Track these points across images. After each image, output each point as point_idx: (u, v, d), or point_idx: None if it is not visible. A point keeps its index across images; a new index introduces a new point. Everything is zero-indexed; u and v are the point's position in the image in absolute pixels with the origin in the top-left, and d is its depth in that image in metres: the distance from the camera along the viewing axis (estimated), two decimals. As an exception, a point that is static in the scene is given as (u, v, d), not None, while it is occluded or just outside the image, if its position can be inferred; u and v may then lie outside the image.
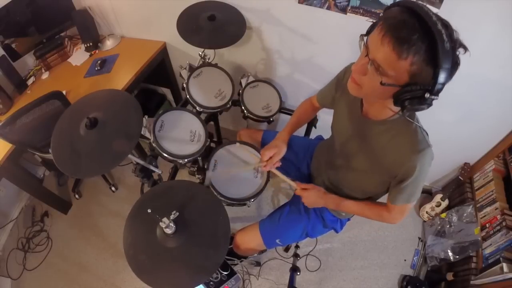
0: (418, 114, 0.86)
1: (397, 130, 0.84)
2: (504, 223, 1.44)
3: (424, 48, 0.62)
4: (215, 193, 1.18)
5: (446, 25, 0.63)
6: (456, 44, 0.64)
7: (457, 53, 0.65)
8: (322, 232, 1.27)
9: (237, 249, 1.33)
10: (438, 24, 0.61)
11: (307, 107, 1.28)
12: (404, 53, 0.63)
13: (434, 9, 1.15)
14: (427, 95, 0.65)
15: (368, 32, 0.73)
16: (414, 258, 1.85)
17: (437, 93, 0.66)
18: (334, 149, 1.11)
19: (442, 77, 0.63)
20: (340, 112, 1.05)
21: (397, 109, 0.81)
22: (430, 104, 0.68)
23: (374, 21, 0.72)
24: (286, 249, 1.86)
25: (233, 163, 1.28)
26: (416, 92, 0.67)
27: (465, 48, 0.66)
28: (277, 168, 1.18)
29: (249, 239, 1.28)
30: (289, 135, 1.22)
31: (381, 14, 0.70)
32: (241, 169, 1.25)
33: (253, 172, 1.26)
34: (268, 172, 1.27)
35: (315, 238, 1.90)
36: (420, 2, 0.65)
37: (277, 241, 1.23)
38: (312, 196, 1.10)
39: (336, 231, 1.28)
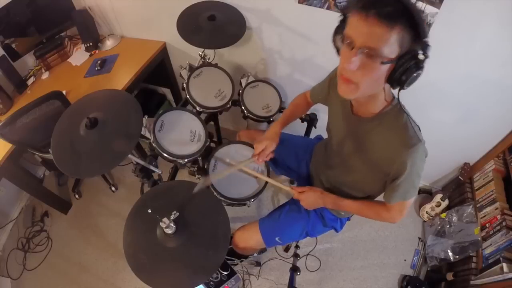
0: (412, 112, 0.86)
1: (387, 125, 0.84)
2: (504, 223, 1.44)
3: (402, 16, 0.65)
4: (215, 193, 1.18)
5: None
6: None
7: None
8: (322, 231, 1.27)
9: (236, 247, 1.33)
10: None
11: (301, 101, 1.28)
12: (391, 24, 0.65)
13: (434, 9, 1.16)
14: (420, 56, 0.67)
15: (338, 31, 0.75)
16: (414, 258, 1.85)
17: (427, 51, 0.68)
18: (331, 149, 1.12)
19: (425, 32, 0.67)
20: (334, 112, 1.05)
21: (389, 98, 0.83)
22: (422, 68, 0.70)
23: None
24: (286, 249, 1.86)
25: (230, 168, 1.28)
26: (410, 61, 0.68)
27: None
28: (271, 165, 1.17)
29: (249, 237, 1.28)
30: (282, 128, 1.22)
31: (343, 10, 0.73)
32: (235, 168, 1.23)
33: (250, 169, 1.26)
34: (268, 172, 1.28)
35: (315, 238, 1.89)
36: None
37: (277, 239, 1.23)
38: (310, 198, 1.11)
39: (336, 231, 1.28)
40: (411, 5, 0.65)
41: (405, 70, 0.68)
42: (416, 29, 0.66)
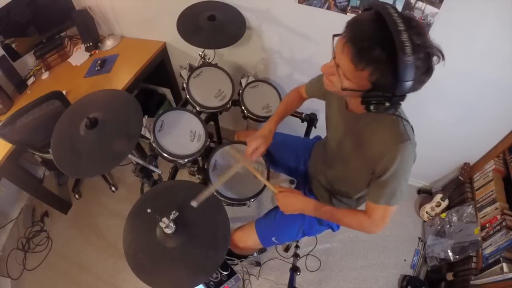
0: (412, 112, 0.87)
1: (380, 122, 0.84)
2: (504, 223, 1.44)
3: (384, 59, 0.62)
4: (215, 193, 1.18)
5: (418, 33, 0.62)
6: (430, 50, 0.64)
7: (432, 60, 0.65)
8: (319, 230, 1.26)
9: (234, 248, 1.33)
10: (404, 35, 0.59)
11: (294, 96, 1.27)
12: (361, 65, 0.65)
13: (434, 9, 1.16)
14: (387, 104, 0.67)
15: (339, 34, 0.73)
16: (414, 258, 1.85)
17: (395, 104, 0.67)
18: (330, 147, 1.11)
19: (404, 88, 0.64)
20: (333, 109, 1.05)
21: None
22: (395, 109, 0.70)
23: None
24: (286, 249, 1.86)
25: (232, 164, 1.28)
26: (379, 98, 0.68)
27: (441, 57, 0.66)
28: (271, 165, 1.16)
29: (246, 238, 1.28)
30: (276, 125, 1.21)
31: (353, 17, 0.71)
32: (232, 171, 1.13)
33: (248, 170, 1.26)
34: (268, 172, 1.28)
35: (315, 238, 1.89)
36: (389, 5, 0.64)
37: (273, 239, 1.23)
38: (286, 199, 1.02)
39: (333, 230, 1.27)
40: (400, 60, 0.59)
41: (372, 102, 0.70)
42: (396, 82, 0.63)
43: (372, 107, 0.70)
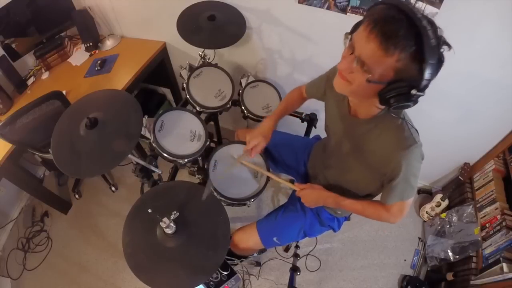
0: (412, 112, 0.86)
1: (383, 127, 0.84)
2: (504, 223, 1.44)
3: (410, 44, 0.62)
4: (215, 193, 1.18)
5: (431, 22, 0.64)
6: (440, 41, 0.65)
7: (441, 50, 0.65)
8: (320, 231, 1.27)
9: (235, 248, 1.33)
10: (424, 21, 0.62)
11: (295, 95, 1.27)
12: (391, 49, 0.63)
13: (434, 9, 1.16)
14: (413, 91, 0.65)
15: (353, 31, 0.72)
16: (414, 258, 1.85)
17: (423, 89, 0.66)
18: (329, 149, 1.12)
19: (428, 72, 0.63)
20: (331, 112, 1.05)
21: (383, 106, 0.80)
22: (415, 101, 0.69)
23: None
24: (286, 249, 1.86)
25: (233, 163, 1.28)
26: (402, 89, 0.67)
27: (449, 46, 0.66)
28: (270, 164, 1.18)
29: (247, 238, 1.28)
30: (275, 123, 1.21)
31: (365, 13, 0.70)
32: (232, 167, 1.24)
33: (252, 172, 1.26)
34: (268, 170, 1.27)
35: (315, 238, 1.89)
36: (404, 0, 0.66)
37: (275, 239, 1.24)
38: (311, 195, 1.08)
39: (334, 230, 1.28)
40: (426, 41, 0.61)
41: (393, 96, 0.68)
42: (421, 67, 0.63)
43: (392, 101, 0.69)
